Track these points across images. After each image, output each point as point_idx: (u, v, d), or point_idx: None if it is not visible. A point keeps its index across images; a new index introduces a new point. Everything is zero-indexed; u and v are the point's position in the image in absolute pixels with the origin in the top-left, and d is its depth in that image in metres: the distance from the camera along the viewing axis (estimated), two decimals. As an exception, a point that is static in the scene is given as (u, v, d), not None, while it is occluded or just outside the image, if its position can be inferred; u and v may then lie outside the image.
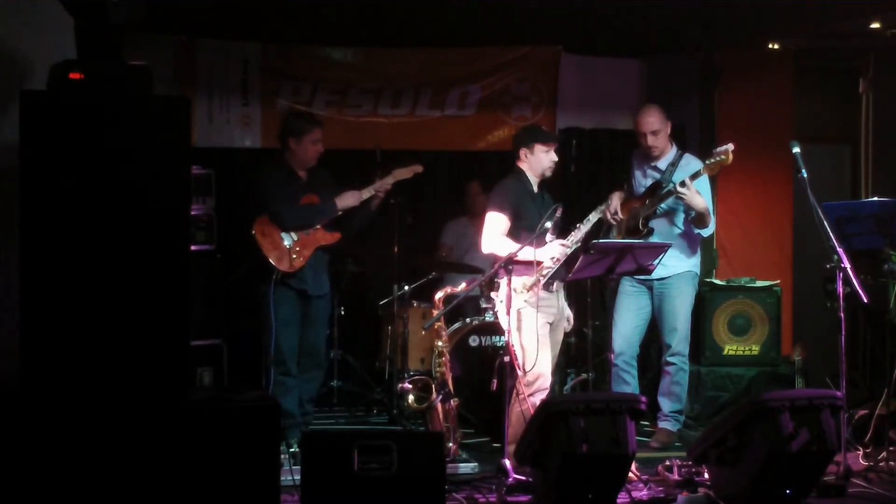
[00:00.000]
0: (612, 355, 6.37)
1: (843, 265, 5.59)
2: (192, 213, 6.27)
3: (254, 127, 7.88)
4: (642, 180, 6.77)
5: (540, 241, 5.84)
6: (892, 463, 5.83)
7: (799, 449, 4.95)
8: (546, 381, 5.97)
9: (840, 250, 5.62)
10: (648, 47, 8.33)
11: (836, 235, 5.72)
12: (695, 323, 6.95)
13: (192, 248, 5.94)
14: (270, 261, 6.26)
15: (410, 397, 6.28)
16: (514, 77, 8.23)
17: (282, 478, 4.87)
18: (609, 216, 6.74)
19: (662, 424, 6.76)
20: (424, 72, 8.12)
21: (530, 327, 5.87)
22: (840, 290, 5.60)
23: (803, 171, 5.78)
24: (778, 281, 7.72)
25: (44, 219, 4.50)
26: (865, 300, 5.62)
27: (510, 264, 5.62)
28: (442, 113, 8.18)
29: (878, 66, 8.29)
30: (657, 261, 5.93)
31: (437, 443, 5.06)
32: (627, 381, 6.66)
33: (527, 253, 5.73)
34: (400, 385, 6.57)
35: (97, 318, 4.52)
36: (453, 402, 6.11)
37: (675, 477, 5.59)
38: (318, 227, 6.44)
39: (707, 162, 6.31)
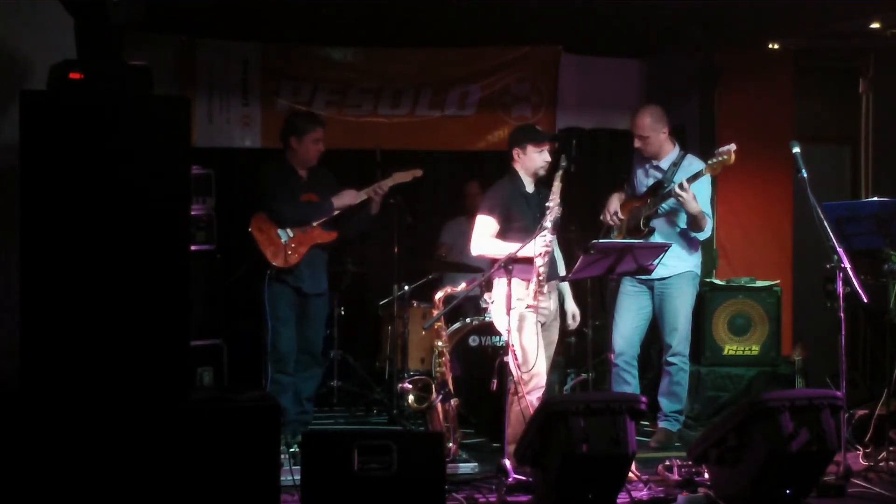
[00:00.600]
0: (613, 355, 6.37)
1: (843, 265, 5.58)
2: (192, 213, 6.28)
3: (254, 127, 7.88)
4: (644, 180, 6.77)
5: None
6: (892, 463, 5.83)
7: (799, 449, 4.95)
8: (542, 379, 5.98)
9: (840, 250, 5.62)
10: (648, 47, 8.33)
11: (836, 235, 5.71)
12: (695, 323, 6.95)
13: (192, 248, 5.95)
14: (266, 256, 6.28)
15: (410, 397, 6.28)
16: (514, 77, 8.23)
17: (282, 478, 4.87)
18: (609, 217, 6.75)
19: (662, 424, 6.76)
20: (424, 72, 8.12)
21: (530, 328, 5.89)
22: (840, 290, 5.59)
23: (803, 171, 5.78)
24: (778, 281, 7.72)
25: (44, 219, 4.49)
26: (865, 300, 5.62)
27: (510, 264, 5.62)
28: (442, 113, 8.18)
29: (878, 66, 8.29)
30: (657, 261, 5.92)
31: (437, 443, 5.06)
32: (628, 382, 6.66)
33: (526, 250, 5.73)
34: (400, 385, 6.58)
35: (97, 318, 4.51)
36: (453, 402, 6.11)
37: (675, 477, 5.59)
38: (315, 224, 6.45)
39: (709, 162, 6.31)
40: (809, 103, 8.48)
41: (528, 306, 5.87)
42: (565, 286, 6.29)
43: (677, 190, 6.28)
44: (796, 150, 5.86)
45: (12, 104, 4.66)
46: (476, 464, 5.99)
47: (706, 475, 5.46)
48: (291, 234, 6.40)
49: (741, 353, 7.54)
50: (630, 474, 5.30)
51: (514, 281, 5.64)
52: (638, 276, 6.48)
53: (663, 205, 6.54)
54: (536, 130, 6.27)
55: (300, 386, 6.55)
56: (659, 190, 6.56)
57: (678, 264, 6.58)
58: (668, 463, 5.72)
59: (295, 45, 7.92)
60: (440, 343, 6.19)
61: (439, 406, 6.09)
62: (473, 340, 7.13)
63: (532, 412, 5.51)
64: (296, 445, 5.91)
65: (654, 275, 6.25)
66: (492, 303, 6.08)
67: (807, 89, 8.42)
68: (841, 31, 7.73)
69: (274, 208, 6.37)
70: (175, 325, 4.62)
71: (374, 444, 4.84)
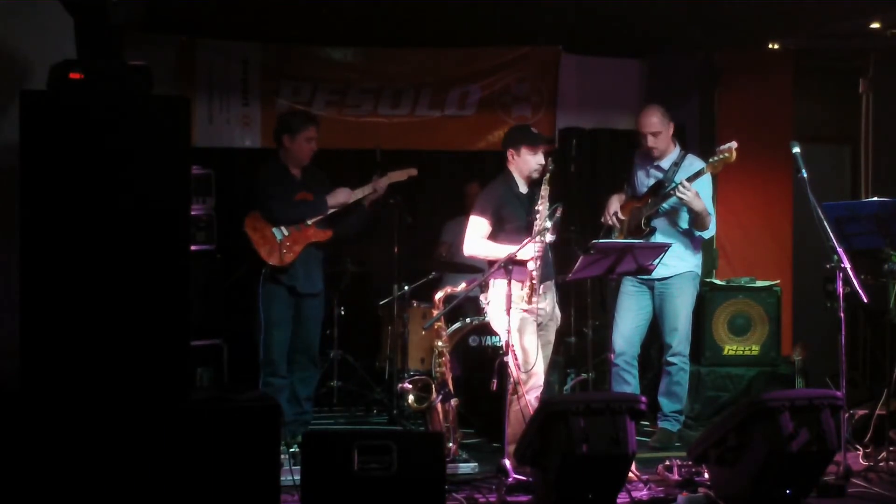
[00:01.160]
0: (613, 355, 6.37)
1: (843, 265, 5.59)
2: (192, 213, 6.28)
3: (254, 127, 7.88)
4: (644, 180, 6.77)
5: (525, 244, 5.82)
6: (892, 463, 5.83)
7: (799, 449, 4.95)
8: (540, 379, 5.98)
9: (840, 250, 5.62)
10: (648, 47, 8.33)
11: (836, 235, 5.72)
12: (695, 323, 6.95)
13: (192, 248, 5.95)
14: (261, 255, 6.28)
15: (410, 397, 6.28)
16: (514, 77, 8.23)
17: (282, 478, 4.86)
18: (609, 218, 6.75)
19: (662, 424, 6.76)
20: (424, 72, 8.12)
21: (530, 329, 5.90)
22: (840, 290, 5.60)
23: (803, 171, 5.78)
24: (778, 281, 7.72)
25: (44, 219, 4.49)
26: (865, 300, 5.62)
27: (510, 264, 5.62)
28: (442, 113, 8.18)
29: (878, 66, 8.29)
30: (657, 261, 5.92)
31: (437, 443, 5.06)
32: (628, 381, 6.66)
33: (522, 253, 5.73)
34: (400, 385, 6.58)
35: (97, 319, 4.51)
36: (453, 402, 6.11)
37: (675, 477, 5.59)
38: (310, 223, 6.45)
39: (711, 160, 6.31)
40: (809, 103, 8.48)
41: (523, 310, 5.88)
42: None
43: (680, 189, 6.28)
44: (796, 150, 5.86)
45: (12, 104, 4.66)
46: (476, 464, 5.98)
47: (706, 475, 5.46)
48: (286, 233, 6.40)
49: (741, 353, 7.54)
50: (630, 474, 5.30)
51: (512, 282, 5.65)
52: (638, 276, 6.49)
53: (664, 204, 6.54)
54: (531, 132, 6.24)
55: (298, 387, 6.55)
56: (659, 190, 6.56)
57: (678, 264, 6.58)
58: (668, 463, 5.72)
59: (295, 45, 7.92)
60: (440, 343, 6.19)
61: (439, 406, 6.09)
62: (473, 340, 7.13)
63: (531, 412, 5.51)
64: (296, 445, 5.92)
65: (655, 275, 6.25)
66: (488, 304, 6.08)
67: (807, 89, 8.42)
68: (841, 31, 7.73)
69: (267, 207, 6.37)
70: (175, 325, 4.62)
71: (374, 444, 4.84)
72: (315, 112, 7.74)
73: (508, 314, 5.63)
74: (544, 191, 5.90)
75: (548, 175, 5.91)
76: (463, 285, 6.20)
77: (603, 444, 4.89)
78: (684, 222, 6.61)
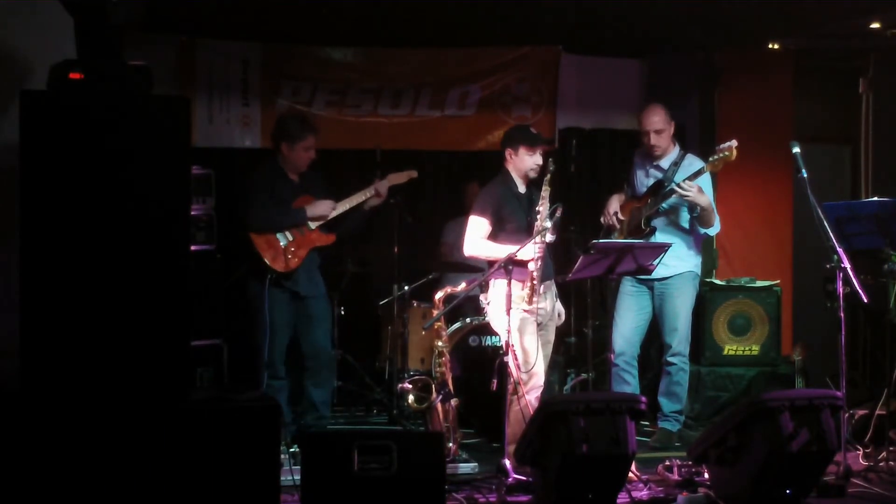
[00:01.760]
0: (613, 355, 6.36)
1: (843, 265, 5.59)
2: (192, 213, 6.27)
3: (254, 127, 7.87)
4: (644, 179, 6.77)
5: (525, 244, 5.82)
6: (892, 463, 5.83)
7: (799, 449, 4.95)
8: (540, 379, 5.98)
9: (840, 250, 5.62)
10: (648, 47, 8.33)
11: (836, 235, 5.72)
12: (695, 323, 6.95)
13: (192, 248, 5.94)
14: (266, 260, 6.28)
15: (410, 397, 6.28)
16: (514, 77, 8.23)
17: (282, 478, 4.87)
18: (609, 218, 6.75)
19: (662, 424, 6.76)
20: (424, 72, 8.12)
21: (531, 329, 5.90)
22: (840, 290, 5.60)
23: (803, 171, 5.78)
24: (778, 281, 7.72)
25: (44, 219, 4.49)
26: (865, 300, 5.62)
27: (510, 264, 5.62)
28: (442, 113, 8.18)
29: (878, 66, 8.29)
30: (657, 261, 5.92)
31: (437, 443, 5.06)
32: (628, 381, 6.67)
33: (522, 253, 5.73)
34: (400, 385, 6.58)
35: (97, 319, 4.51)
36: (453, 402, 6.11)
37: (675, 477, 5.59)
38: (314, 227, 6.46)
39: (711, 159, 6.31)
40: (809, 103, 8.48)
41: (524, 311, 5.88)
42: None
43: (682, 187, 6.27)
44: (796, 150, 5.86)
45: (12, 104, 4.66)
46: (476, 464, 5.99)
47: (706, 475, 5.46)
48: (290, 238, 6.40)
49: (741, 353, 7.54)
50: (630, 474, 5.30)
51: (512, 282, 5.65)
52: (638, 276, 6.49)
53: (664, 204, 6.54)
54: (530, 132, 6.24)
55: (312, 392, 6.54)
56: (659, 190, 6.56)
57: (678, 264, 6.58)
58: (668, 463, 5.72)
59: (295, 45, 7.91)
60: (440, 343, 6.20)
61: (439, 406, 6.09)
62: (473, 340, 7.13)
63: (532, 412, 5.51)
64: (295, 446, 5.93)
65: (655, 275, 6.25)
66: (488, 304, 6.08)
67: (807, 89, 8.41)
68: (841, 31, 7.73)
69: (248, 215, 6.34)
70: (175, 325, 4.63)
71: (374, 444, 4.84)
72: (315, 112, 7.75)
73: (508, 314, 5.63)
74: (544, 191, 5.90)
75: (548, 175, 5.91)
76: (463, 285, 6.20)
77: (603, 444, 4.89)
78: (684, 222, 6.61)
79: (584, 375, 7.37)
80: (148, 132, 4.61)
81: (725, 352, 7.53)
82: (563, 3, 7.05)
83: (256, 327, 6.40)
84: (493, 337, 6.87)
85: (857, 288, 5.58)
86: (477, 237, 6.07)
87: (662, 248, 5.92)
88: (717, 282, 7.81)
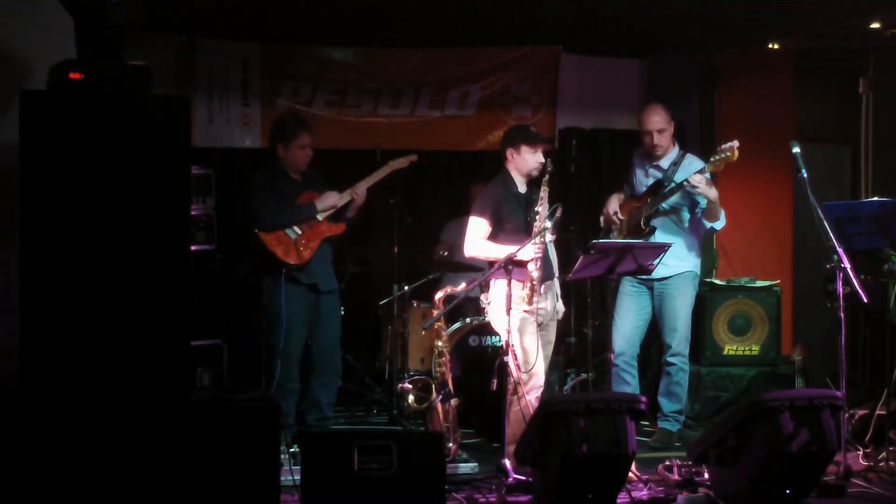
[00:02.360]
0: (613, 355, 6.36)
1: (843, 265, 5.59)
2: (192, 213, 6.27)
3: (254, 127, 7.87)
4: (644, 179, 6.77)
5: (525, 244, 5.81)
6: (892, 463, 5.83)
7: (799, 449, 4.95)
8: (540, 379, 5.98)
9: (840, 250, 5.62)
10: (648, 47, 8.33)
11: (836, 235, 5.72)
12: (695, 323, 6.95)
13: (192, 248, 5.94)
14: (278, 256, 6.28)
15: (410, 397, 6.28)
16: (514, 77, 8.23)
17: (282, 478, 4.87)
18: (609, 218, 6.75)
19: (662, 424, 6.76)
20: (424, 72, 8.12)
21: (531, 329, 5.90)
22: (840, 290, 5.60)
23: (803, 171, 5.78)
24: (778, 281, 7.72)
25: (44, 219, 4.50)
26: (865, 300, 5.62)
27: (510, 264, 5.62)
28: (442, 113, 8.18)
29: (878, 66, 8.29)
30: (657, 261, 5.92)
31: (437, 443, 5.06)
32: (627, 381, 6.66)
33: (522, 253, 5.73)
34: (400, 385, 6.58)
35: (97, 318, 4.52)
36: (453, 402, 6.11)
37: (675, 477, 5.59)
38: (321, 218, 6.46)
39: (712, 159, 6.31)
40: (809, 103, 8.49)
41: (524, 311, 5.88)
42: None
43: (693, 181, 6.26)
44: (796, 150, 5.86)
45: (12, 104, 4.66)
46: (476, 464, 5.99)
47: (706, 475, 5.46)
48: (300, 231, 6.40)
49: (741, 353, 7.54)
50: (630, 474, 5.30)
51: (512, 282, 5.65)
52: (638, 276, 6.49)
53: (664, 204, 6.54)
54: (530, 131, 6.25)
55: (319, 392, 6.54)
56: (659, 189, 6.56)
57: (678, 264, 6.58)
58: (668, 463, 5.72)
59: (295, 45, 7.91)
60: (440, 343, 6.19)
61: (439, 406, 6.09)
62: (473, 340, 7.13)
63: (532, 412, 5.51)
64: (295, 446, 5.92)
65: (654, 275, 6.26)
66: (488, 304, 6.08)
67: (807, 89, 8.42)
68: (841, 31, 7.73)
69: (254, 214, 6.35)
70: (175, 325, 4.63)
71: (374, 444, 4.84)
72: (315, 112, 7.76)
73: (509, 314, 5.63)
74: (544, 192, 5.90)
75: (547, 176, 5.91)
76: (463, 285, 6.20)
77: (603, 444, 4.89)
78: (684, 222, 6.62)
79: (584, 375, 7.36)
80: (148, 132, 4.61)
81: (725, 352, 7.53)
82: (563, 3, 7.05)
83: (271, 325, 6.37)
84: (494, 337, 6.87)
85: (857, 288, 5.58)
86: (477, 237, 6.07)
87: (662, 248, 5.92)
88: (717, 282, 7.81)
